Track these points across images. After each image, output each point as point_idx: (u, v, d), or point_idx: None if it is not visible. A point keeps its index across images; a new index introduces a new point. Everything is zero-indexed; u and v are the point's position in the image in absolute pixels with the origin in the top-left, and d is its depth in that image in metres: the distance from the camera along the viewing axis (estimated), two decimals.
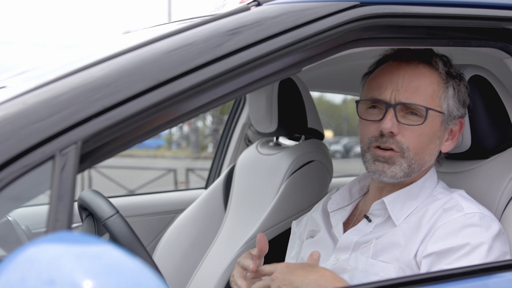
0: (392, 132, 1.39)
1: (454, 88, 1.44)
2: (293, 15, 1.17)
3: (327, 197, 1.69)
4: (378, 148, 1.42)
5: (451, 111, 1.43)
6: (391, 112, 1.40)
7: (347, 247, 1.47)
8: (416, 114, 1.40)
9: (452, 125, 1.46)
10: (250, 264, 1.35)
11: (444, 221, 1.34)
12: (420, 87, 1.41)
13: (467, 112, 1.50)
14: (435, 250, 1.30)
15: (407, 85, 1.41)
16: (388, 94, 1.41)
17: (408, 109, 1.40)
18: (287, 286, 1.25)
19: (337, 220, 1.56)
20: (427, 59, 1.44)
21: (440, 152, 1.48)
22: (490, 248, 1.29)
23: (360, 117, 1.47)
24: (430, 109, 1.39)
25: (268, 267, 1.32)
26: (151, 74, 1.03)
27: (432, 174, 1.49)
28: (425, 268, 1.31)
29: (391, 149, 1.41)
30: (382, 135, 1.41)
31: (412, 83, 1.41)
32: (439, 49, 1.48)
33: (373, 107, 1.45)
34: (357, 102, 1.49)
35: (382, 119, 1.41)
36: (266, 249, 1.38)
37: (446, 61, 1.47)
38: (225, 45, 1.09)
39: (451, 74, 1.46)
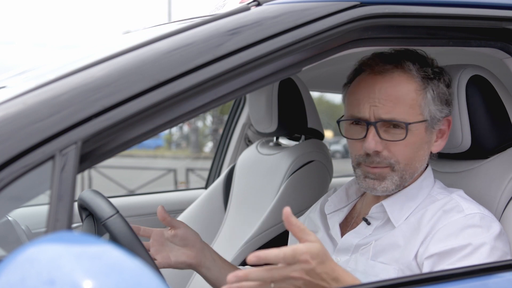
0: (377, 151, 1.38)
1: (433, 91, 1.40)
2: (293, 15, 1.17)
3: (324, 198, 1.69)
4: (368, 166, 1.41)
5: (433, 116, 1.41)
6: (372, 131, 1.38)
7: (347, 249, 1.47)
8: (398, 127, 1.38)
9: (438, 126, 1.43)
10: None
11: (445, 223, 1.34)
12: (398, 98, 1.37)
13: (457, 107, 1.48)
14: (437, 251, 1.30)
15: (384, 99, 1.37)
16: (366, 111, 1.38)
17: (390, 123, 1.38)
18: (310, 282, 1.08)
19: (334, 222, 1.56)
20: (400, 64, 1.40)
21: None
22: (492, 248, 1.28)
23: (344, 136, 1.46)
24: (410, 123, 1.36)
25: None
26: (151, 74, 1.03)
27: (428, 174, 1.48)
28: (427, 269, 1.30)
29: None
30: (367, 154, 1.39)
31: (390, 96, 1.37)
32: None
33: (356, 123, 1.42)
34: (338, 122, 1.47)
35: (364, 137, 1.39)
36: (167, 221, 1.45)
37: (422, 62, 1.42)
38: (225, 45, 1.09)
39: (428, 76, 1.41)
